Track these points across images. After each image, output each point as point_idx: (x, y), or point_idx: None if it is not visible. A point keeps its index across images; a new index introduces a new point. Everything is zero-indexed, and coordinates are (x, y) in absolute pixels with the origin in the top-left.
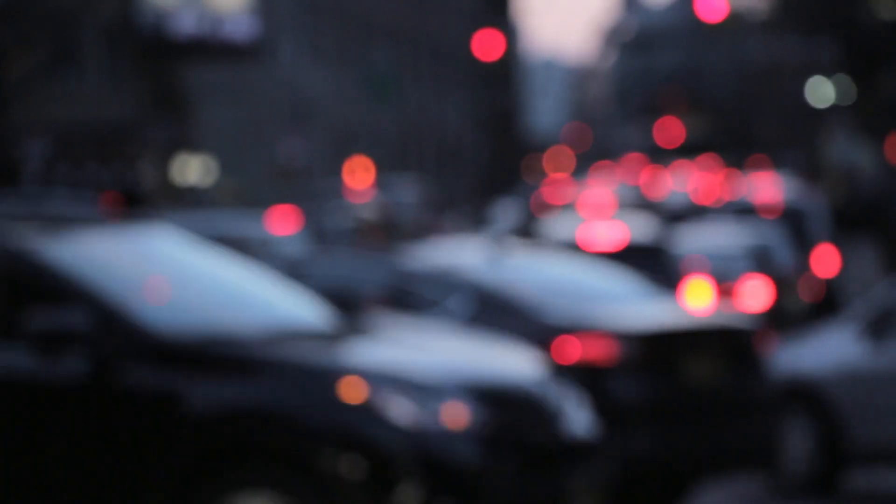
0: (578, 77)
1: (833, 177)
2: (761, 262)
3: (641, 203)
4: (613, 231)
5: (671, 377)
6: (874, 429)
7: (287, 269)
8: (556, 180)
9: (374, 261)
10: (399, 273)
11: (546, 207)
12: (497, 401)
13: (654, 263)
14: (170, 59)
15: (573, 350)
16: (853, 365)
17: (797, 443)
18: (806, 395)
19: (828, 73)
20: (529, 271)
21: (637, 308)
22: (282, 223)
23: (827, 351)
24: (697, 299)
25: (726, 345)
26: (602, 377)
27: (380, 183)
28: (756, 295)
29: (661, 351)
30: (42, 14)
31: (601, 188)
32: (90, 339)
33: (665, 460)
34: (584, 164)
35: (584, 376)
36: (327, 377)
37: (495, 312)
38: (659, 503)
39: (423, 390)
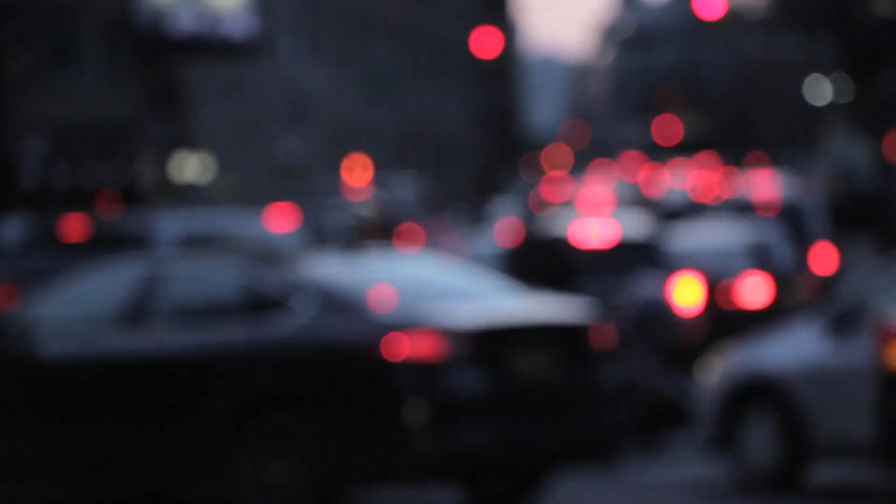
0: (577, 74)
1: (831, 175)
2: (760, 259)
3: (640, 200)
4: (606, 228)
5: (502, 372)
6: (836, 424)
7: (149, 271)
8: (554, 178)
9: (225, 263)
10: (249, 274)
11: (544, 205)
12: None
13: (645, 260)
14: (168, 56)
15: (403, 347)
16: (816, 361)
17: (761, 437)
18: (770, 391)
19: (826, 70)
20: (380, 272)
21: (476, 305)
22: (280, 221)
23: (791, 347)
24: (686, 296)
25: (560, 341)
26: (433, 373)
27: (378, 180)
28: (755, 292)
29: (491, 346)
30: (40, 12)
31: (599, 186)
32: None
33: (499, 454)
34: (582, 162)
35: (415, 373)
36: None
37: (335, 311)
38: (513, 495)
39: None
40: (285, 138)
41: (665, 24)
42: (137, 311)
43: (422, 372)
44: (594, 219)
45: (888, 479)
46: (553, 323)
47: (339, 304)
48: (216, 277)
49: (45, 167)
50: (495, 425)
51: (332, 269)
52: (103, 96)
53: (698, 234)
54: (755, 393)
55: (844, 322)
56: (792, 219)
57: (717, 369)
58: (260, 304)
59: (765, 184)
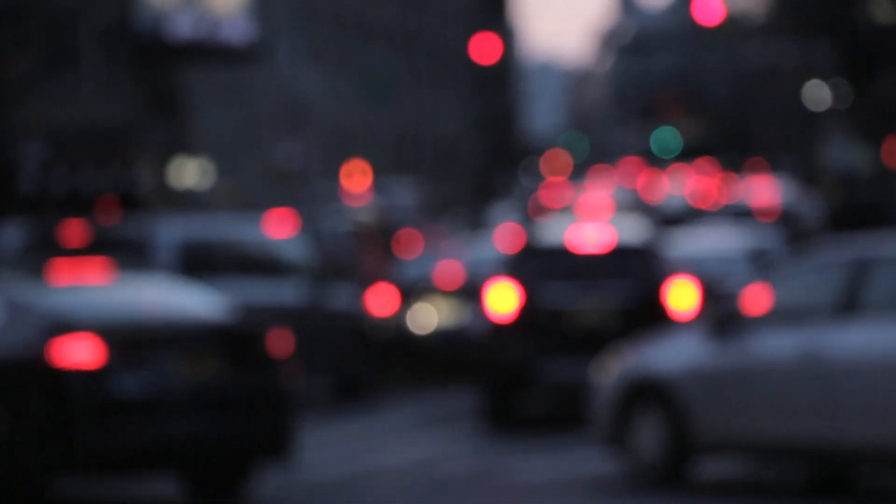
0: (575, 80)
1: (830, 180)
2: (759, 265)
3: (639, 206)
4: (602, 234)
5: (166, 374)
6: (718, 422)
7: None
8: (553, 183)
9: None
10: None
11: (543, 210)
12: None
13: (640, 265)
14: (167, 61)
15: (67, 352)
16: (699, 363)
17: (650, 435)
18: (658, 391)
19: (825, 76)
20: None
21: (149, 314)
22: (279, 226)
23: (677, 349)
24: (681, 301)
25: (231, 346)
26: (94, 376)
27: (377, 186)
28: (753, 297)
29: (154, 350)
30: (39, 16)
31: (599, 191)
32: None
33: (158, 451)
34: (581, 168)
35: (77, 376)
36: None
37: (20, 321)
38: (223, 484)
39: None
40: (284, 143)
41: (664, 29)
42: None
43: (84, 375)
44: (592, 224)
45: (766, 473)
46: (224, 329)
47: (23, 315)
48: None
49: (44, 172)
50: (155, 424)
51: (25, 284)
52: (102, 101)
53: (697, 240)
54: (644, 393)
55: (724, 326)
56: (791, 224)
57: (612, 370)
58: None
59: (764, 189)
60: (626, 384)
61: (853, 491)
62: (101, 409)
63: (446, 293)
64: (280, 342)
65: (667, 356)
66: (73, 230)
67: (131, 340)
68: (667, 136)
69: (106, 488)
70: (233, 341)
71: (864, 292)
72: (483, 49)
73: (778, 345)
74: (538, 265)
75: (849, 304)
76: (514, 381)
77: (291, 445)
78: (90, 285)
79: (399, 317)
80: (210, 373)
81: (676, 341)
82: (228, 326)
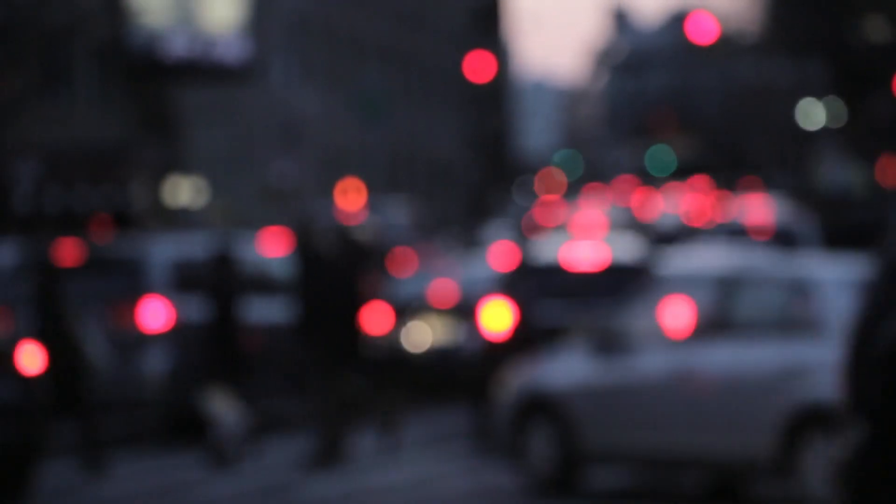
0: (569, 99)
1: (822, 199)
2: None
3: (633, 224)
4: (596, 252)
5: None
6: (603, 435)
7: None
8: (547, 202)
9: None
10: None
11: (537, 229)
12: None
13: (635, 284)
14: (161, 80)
15: None
16: (585, 378)
17: (542, 447)
18: (548, 405)
19: (818, 95)
20: None
21: None
22: (273, 244)
23: (565, 365)
24: (676, 320)
25: None
26: None
27: (371, 204)
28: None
29: None
30: (33, 35)
31: (593, 210)
32: None
33: None
34: (575, 186)
35: None
36: None
37: None
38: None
39: None
40: (278, 162)
41: (658, 48)
42: None
43: None
44: (586, 242)
45: (653, 481)
46: None
47: None
48: None
49: (38, 191)
50: None
51: None
52: (96, 120)
53: (691, 258)
54: (537, 407)
55: (608, 343)
56: (785, 243)
57: (509, 386)
58: None
59: (758, 208)
60: (521, 399)
61: (740, 500)
62: None
63: (440, 311)
64: (29, 358)
65: (556, 372)
66: (67, 249)
67: None
68: (661, 155)
69: None
70: None
71: (732, 310)
72: (477, 67)
73: (655, 361)
74: (533, 283)
75: (718, 322)
76: None
77: (42, 452)
78: None
79: (393, 335)
80: None
81: (566, 358)
82: None
